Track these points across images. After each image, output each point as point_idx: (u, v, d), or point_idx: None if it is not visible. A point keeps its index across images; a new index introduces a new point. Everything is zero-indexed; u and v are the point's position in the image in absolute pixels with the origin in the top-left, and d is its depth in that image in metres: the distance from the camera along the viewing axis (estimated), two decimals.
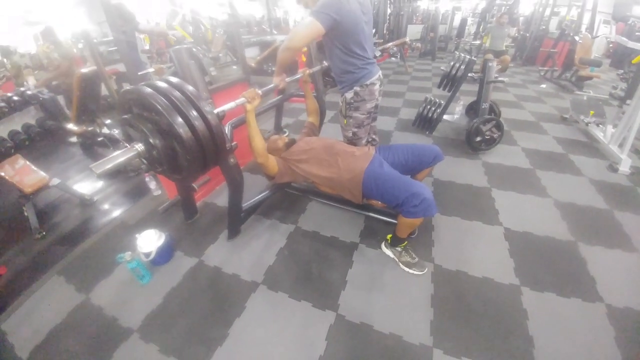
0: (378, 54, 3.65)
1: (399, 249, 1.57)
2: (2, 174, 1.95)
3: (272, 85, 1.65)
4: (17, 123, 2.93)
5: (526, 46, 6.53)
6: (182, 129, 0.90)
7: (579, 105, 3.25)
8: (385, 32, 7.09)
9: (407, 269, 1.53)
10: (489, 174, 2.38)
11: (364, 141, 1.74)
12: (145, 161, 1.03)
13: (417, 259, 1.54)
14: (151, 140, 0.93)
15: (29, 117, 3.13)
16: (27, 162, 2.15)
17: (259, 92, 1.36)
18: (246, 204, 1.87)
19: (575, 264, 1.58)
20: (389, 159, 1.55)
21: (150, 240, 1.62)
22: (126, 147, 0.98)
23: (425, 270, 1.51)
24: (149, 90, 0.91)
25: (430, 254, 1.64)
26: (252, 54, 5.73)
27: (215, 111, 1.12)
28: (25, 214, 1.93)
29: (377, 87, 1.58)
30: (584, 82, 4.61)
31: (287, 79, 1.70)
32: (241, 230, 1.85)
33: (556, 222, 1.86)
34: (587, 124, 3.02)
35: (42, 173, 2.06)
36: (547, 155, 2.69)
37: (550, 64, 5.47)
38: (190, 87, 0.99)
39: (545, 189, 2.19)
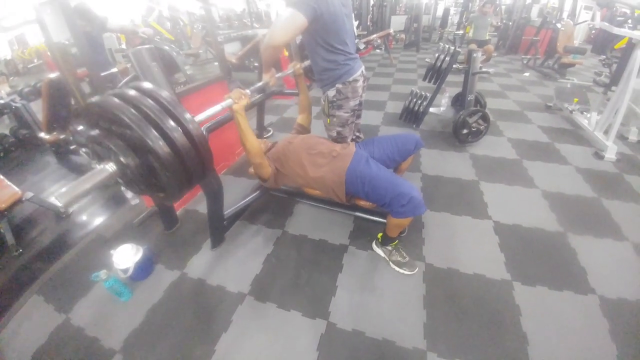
0: (362, 46, 3.56)
1: (389, 247, 1.54)
2: None
3: (261, 83, 1.55)
4: None
5: (508, 35, 6.56)
6: (158, 143, 0.78)
7: (562, 93, 3.27)
8: (368, 23, 7.00)
9: (397, 269, 1.50)
10: (477, 167, 2.37)
11: (349, 140, 1.68)
12: (120, 181, 0.91)
13: (407, 259, 1.51)
14: (122, 159, 0.81)
15: (3, 126, 2.96)
16: (1, 177, 2.01)
17: (247, 91, 1.27)
18: (230, 210, 1.79)
19: (566, 255, 1.57)
20: (373, 153, 1.49)
21: (127, 256, 1.53)
22: (95, 167, 0.86)
23: (415, 270, 1.48)
24: (115, 101, 0.79)
25: (421, 253, 1.61)
26: (233, 49, 5.56)
27: (197, 118, 1.02)
28: (1, 230, 1.81)
29: (360, 83, 1.52)
30: (566, 69, 4.65)
31: (278, 75, 1.59)
32: (225, 238, 1.78)
33: (545, 213, 1.85)
34: (571, 112, 3.04)
35: (15, 188, 1.93)
36: (533, 144, 2.70)
37: (533, 52, 5.51)
38: (165, 93, 0.86)
39: (533, 179, 2.19)
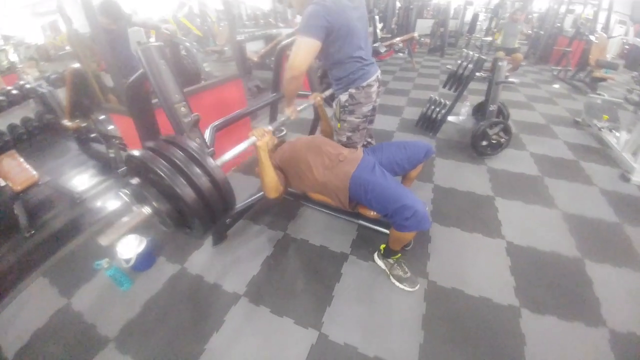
0: (383, 50, 3.50)
1: (391, 260, 1.48)
2: None
3: (283, 118, 1.52)
4: (16, 116, 2.90)
5: (539, 44, 6.25)
6: (185, 191, 0.85)
7: (592, 109, 3.06)
8: (393, 26, 6.87)
9: (397, 284, 1.44)
10: (494, 181, 2.25)
11: (359, 146, 1.63)
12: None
13: (409, 274, 1.44)
14: (155, 205, 0.89)
15: (28, 110, 3.10)
16: (21, 160, 2.11)
17: (269, 128, 1.28)
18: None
19: (581, 283, 1.46)
20: (381, 159, 1.44)
21: (130, 246, 1.56)
22: (134, 209, 0.93)
23: (416, 287, 1.41)
24: (149, 154, 0.88)
25: (424, 269, 1.54)
26: (257, 48, 5.60)
27: (224, 158, 1.06)
28: (15, 211, 1.90)
29: (374, 89, 1.47)
30: (598, 83, 4.37)
31: (299, 108, 1.59)
32: (227, 236, 1.78)
33: (563, 237, 1.73)
34: (599, 129, 2.84)
35: (33, 171, 2.02)
36: (557, 161, 2.54)
37: (564, 63, 5.22)
38: (194, 144, 0.94)
39: (553, 199, 2.05)
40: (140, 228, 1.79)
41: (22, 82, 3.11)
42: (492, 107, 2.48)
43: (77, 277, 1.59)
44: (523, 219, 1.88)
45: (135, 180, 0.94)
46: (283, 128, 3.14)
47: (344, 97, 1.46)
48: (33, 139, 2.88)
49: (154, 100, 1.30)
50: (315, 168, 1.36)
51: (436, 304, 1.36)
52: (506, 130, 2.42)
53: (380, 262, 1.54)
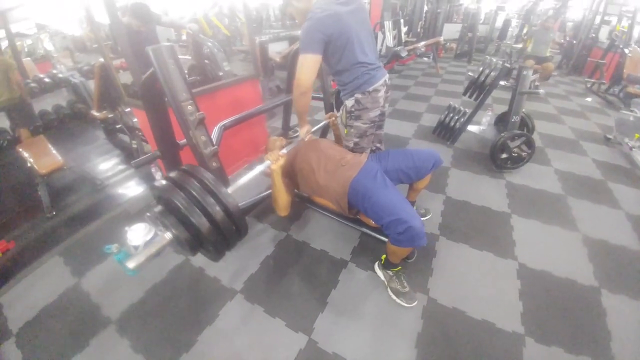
0: (404, 54, 3.42)
1: (390, 272, 1.44)
2: (25, 153, 2.07)
3: (299, 139, 1.54)
4: (48, 103, 3.13)
5: (573, 54, 5.87)
6: (200, 221, 0.93)
7: (623, 126, 2.83)
8: (419, 29, 6.71)
9: (394, 297, 1.39)
10: (512, 197, 2.13)
11: (367, 151, 1.60)
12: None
13: (407, 289, 1.39)
14: (175, 232, 0.98)
15: (61, 98, 3.33)
16: (49, 145, 2.27)
17: (283, 151, 1.33)
18: (240, 204, 1.82)
19: (594, 315, 1.35)
20: (386, 166, 1.40)
21: (139, 234, 1.62)
22: (159, 233, 1.05)
23: (414, 304, 1.36)
24: (169, 185, 0.98)
25: (426, 284, 1.48)
26: (281, 48, 5.68)
27: (232, 189, 1.13)
28: (39, 192, 2.04)
29: (381, 94, 1.43)
30: (631, 99, 4.04)
31: (313, 129, 1.62)
32: None
33: (581, 263, 1.60)
34: (631, 148, 2.61)
35: (58, 157, 2.17)
36: (583, 180, 2.36)
37: (598, 75, 4.88)
38: (209, 175, 1.02)
39: (575, 220, 1.91)
40: (150, 217, 1.90)
41: (54, 71, 3.35)
42: (515, 118, 2.35)
43: (90, 259, 1.69)
44: (540, 240, 1.76)
45: (158, 209, 1.03)
46: (297, 129, 3.17)
47: (350, 103, 1.44)
48: (64, 125, 3.08)
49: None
50: (318, 171, 1.35)
51: (434, 322, 1.31)
52: (529, 144, 2.28)
53: (379, 273, 1.50)
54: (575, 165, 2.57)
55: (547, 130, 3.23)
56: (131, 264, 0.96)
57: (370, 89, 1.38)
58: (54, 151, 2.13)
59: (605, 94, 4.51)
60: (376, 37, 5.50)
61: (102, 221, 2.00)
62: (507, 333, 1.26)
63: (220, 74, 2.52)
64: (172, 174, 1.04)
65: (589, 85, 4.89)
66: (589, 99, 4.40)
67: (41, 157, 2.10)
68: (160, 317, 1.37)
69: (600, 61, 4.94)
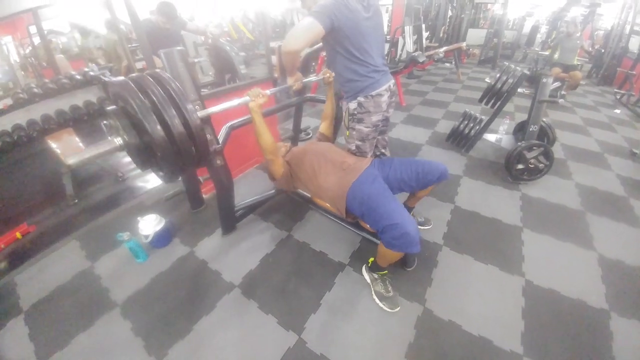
0: (422, 59, 3.36)
1: (376, 275, 1.43)
2: (53, 144, 2.24)
3: (284, 86, 1.59)
4: (79, 99, 3.35)
5: (603, 63, 5.52)
6: (155, 128, 0.87)
7: None
8: (442, 35, 6.57)
9: (377, 300, 1.38)
10: (525, 210, 2.03)
11: (369, 155, 1.60)
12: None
13: (392, 294, 1.37)
14: (126, 137, 0.93)
15: (92, 94, 3.56)
16: (76, 138, 2.44)
17: (267, 91, 1.33)
18: (244, 202, 1.88)
19: (600, 338, 1.27)
20: (388, 174, 1.39)
21: (150, 224, 1.72)
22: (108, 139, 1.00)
23: (396, 309, 1.34)
24: (129, 85, 0.90)
25: (423, 294, 1.45)
26: (302, 52, 5.77)
27: (202, 113, 1.10)
28: (63, 181, 2.21)
29: (384, 98, 1.43)
30: None
31: (306, 80, 1.61)
32: (237, 228, 1.87)
33: (593, 283, 1.51)
34: None
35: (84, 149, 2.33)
36: (605, 196, 2.21)
37: (627, 87, 4.57)
38: (176, 85, 0.96)
39: (592, 238, 1.79)
40: (167, 208, 1.99)
41: (86, 69, 3.57)
42: (533, 128, 2.24)
43: (104, 245, 1.80)
44: (551, 257, 1.67)
45: (111, 108, 0.94)
46: (310, 131, 3.21)
47: (352, 105, 1.45)
48: (93, 120, 3.28)
49: None
50: (319, 174, 1.38)
51: (427, 334, 1.28)
52: (546, 155, 2.18)
53: (365, 275, 1.50)
54: (598, 179, 2.41)
55: (571, 142, 3.06)
56: (69, 160, 0.90)
57: (373, 93, 1.39)
58: (80, 144, 2.29)
59: (634, 106, 4.22)
60: (397, 43, 5.46)
61: (119, 211, 2.13)
62: (505, 352, 1.21)
63: (237, 76, 2.61)
64: (135, 75, 0.94)
65: (618, 97, 4.59)
66: (617, 111, 4.14)
67: (68, 148, 2.26)
68: (162, 304, 1.44)
69: (629, 72, 4.66)
